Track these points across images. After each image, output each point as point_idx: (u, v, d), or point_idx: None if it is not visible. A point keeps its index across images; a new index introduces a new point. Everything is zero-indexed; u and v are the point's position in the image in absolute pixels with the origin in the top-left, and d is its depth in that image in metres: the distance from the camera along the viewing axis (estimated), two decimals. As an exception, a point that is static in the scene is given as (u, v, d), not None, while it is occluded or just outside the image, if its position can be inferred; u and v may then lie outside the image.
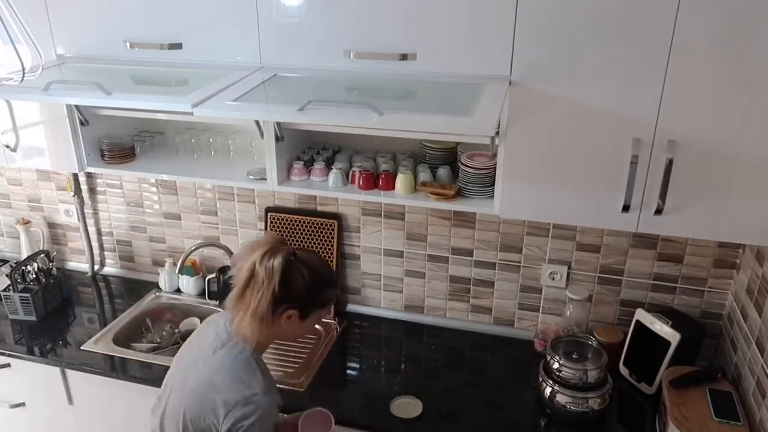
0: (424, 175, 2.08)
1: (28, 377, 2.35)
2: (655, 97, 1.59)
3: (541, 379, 1.98)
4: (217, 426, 1.50)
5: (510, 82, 1.68)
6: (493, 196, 1.91)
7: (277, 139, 2.02)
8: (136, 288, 2.75)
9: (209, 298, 2.60)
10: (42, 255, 2.61)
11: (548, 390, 1.94)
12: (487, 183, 1.95)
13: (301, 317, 1.59)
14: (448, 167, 2.10)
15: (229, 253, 2.59)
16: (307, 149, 2.24)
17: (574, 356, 1.95)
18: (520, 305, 2.38)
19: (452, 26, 1.68)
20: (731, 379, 1.94)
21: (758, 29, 1.47)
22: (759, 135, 1.56)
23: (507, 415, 2.00)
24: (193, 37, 1.92)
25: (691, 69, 1.55)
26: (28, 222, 2.79)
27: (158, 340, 2.46)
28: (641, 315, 2.06)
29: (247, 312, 1.53)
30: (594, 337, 2.08)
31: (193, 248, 2.51)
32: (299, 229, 2.48)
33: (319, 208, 2.47)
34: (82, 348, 2.32)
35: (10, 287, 2.49)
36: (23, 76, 1.52)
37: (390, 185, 2.05)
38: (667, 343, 1.96)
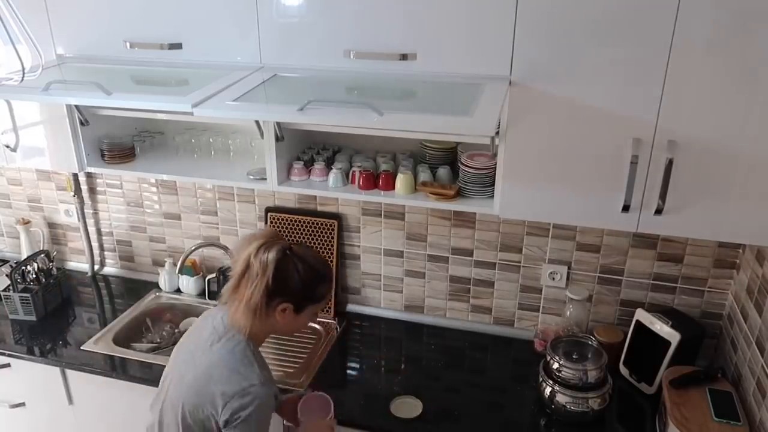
0: (424, 175, 2.08)
1: (28, 377, 2.35)
2: (655, 97, 1.59)
3: (541, 379, 1.98)
4: (216, 416, 1.53)
5: (510, 82, 1.68)
6: (493, 196, 1.91)
7: (277, 139, 2.02)
8: (136, 288, 2.76)
9: (209, 298, 2.60)
10: (42, 255, 2.61)
11: (548, 390, 1.94)
12: (487, 183, 1.95)
13: (296, 311, 1.61)
14: (448, 167, 2.10)
15: (230, 253, 2.59)
16: (307, 149, 2.24)
17: (574, 356, 1.95)
18: (520, 305, 2.38)
19: (452, 26, 1.68)
20: (731, 379, 1.94)
21: (758, 29, 1.47)
22: (759, 135, 1.56)
23: (507, 415, 2.01)
24: (193, 37, 1.92)
25: (691, 69, 1.55)
26: (28, 222, 2.79)
27: (158, 340, 2.46)
28: (641, 315, 2.06)
29: (241, 303, 1.55)
30: (594, 337, 2.08)
31: (193, 248, 2.51)
32: (299, 229, 2.48)
33: (319, 208, 2.47)
34: (82, 348, 2.32)
35: (10, 287, 2.49)
36: (23, 76, 1.52)
37: (390, 185, 2.05)
38: (667, 343, 1.96)
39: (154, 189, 2.65)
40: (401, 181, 2.03)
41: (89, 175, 2.71)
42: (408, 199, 2.03)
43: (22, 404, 2.43)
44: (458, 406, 2.03)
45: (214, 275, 2.57)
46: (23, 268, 2.53)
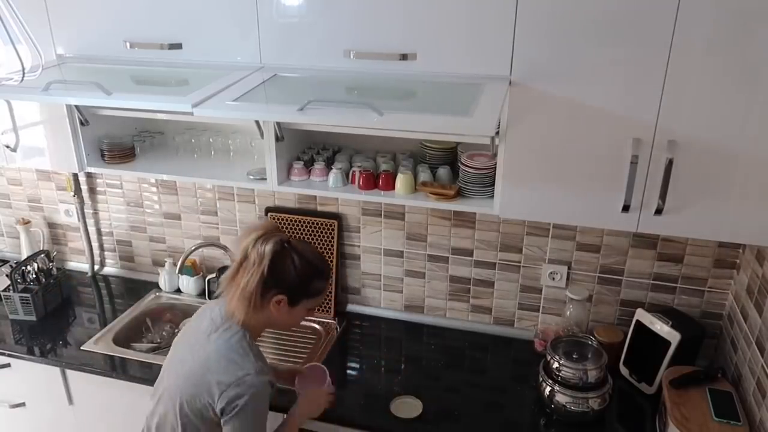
0: (424, 175, 2.08)
1: (28, 377, 2.35)
2: (655, 97, 1.59)
3: (541, 379, 1.98)
4: (213, 405, 1.56)
5: (510, 82, 1.68)
6: (493, 196, 1.91)
7: (277, 139, 2.02)
8: (136, 288, 2.76)
9: (209, 298, 2.60)
10: (42, 255, 2.61)
11: (548, 390, 1.94)
12: (487, 183, 1.95)
13: (291, 304, 1.64)
14: (448, 167, 2.10)
15: (230, 251, 2.59)
16: (307, 149, 2.24)
17: (574, 356, 1.95)
18: (520, 305, 2.38)
19: (452, 26, 1.68)
20: (731, 379, 1.94)
21: (758, 29, 1.47)
22: (759, 135, 1.56)
23: (507, 415, 2.01)
24: (193, 37, 1.92)
25: (691, 69, 1.55)
26: (28, 222, 2.79)
27: (158, 340, 2.46)
28: (641, 315, 2.06)
29: (237, 290, 1.60)
30: (594, 337, 2.08)
31: (193, 248, 2.51)
32: (299, 229, 2.48)
33: (319, 208, 2.47)
34: (82, 348, 2.32)
35: (10, 287, 2.49)
36: (23, 76, 1.53)
37: (390, 185, 2.05)
38: (667, 343, 1.96)
39: (154, 189, 2.65)
40: (401, 181, 2.03)
41: (89, 175, 2.71)
42: (408, 199, 2.03)
43: (22, 404, 2.43)
44: (458, 406, 2.03)
45: (214, 275, 2.57)
46: (23, 268, 2.53)
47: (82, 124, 2.20)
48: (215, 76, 1.84)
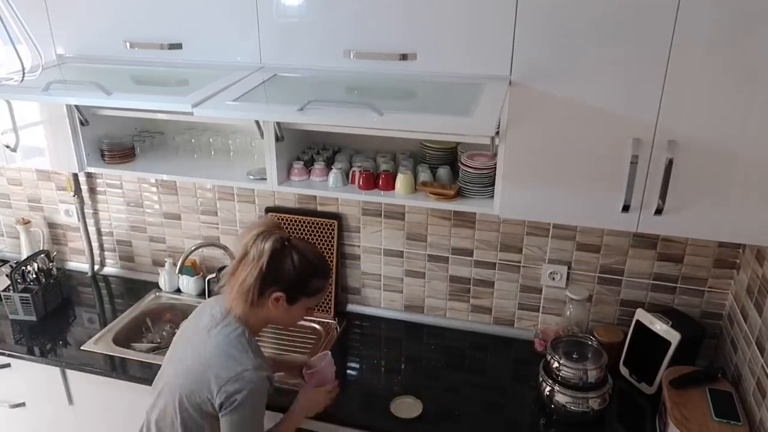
0: (424, 175, 2.08)
1: (28, 377, 2.35)
2: (655, 97, 1.59)
3: (541, 379, 1.98)
4: (212, 400, 1.58)
5: (510, 82, 1.68)
6: (493, 196, 1.91)
7: (277, 139, 2.02)
8: (136, 288, 2.76)
9: (209, 298, 2.60)
10: (42, 255, 2.61)
11: (548, 390, 1.94)
12: (487, 183, 1.95)
13: (289, 302, 1.66)
14: (448, 167, 2.10)
15: (230, 252, 2.59)
16: (307, 149, 2.24)
17: (574, 356, 1.95)
18: (520, 305, 2.38)
19: (452, 26, 1.68)
20: (731, 379, 1.94)
21: (758, 29, 1.47)
22: (759, 135, 1.56)
23: (507, 415, 2.00)
24: (193, 37, 1.92)
25: (691, 69, 1.55)
26: (28, 222, 2.79)
27: (158, 340, 2.46)
28: (641, 315, 2.06)
29: (236, 285, 1.62)
30: (594, 337, 2.08)
31: (193, 248, 2.51)
32: (299, 229, 2.48)
33: (319, 208, 2.47)
34: (82, 348, 2.32)
35: (10, 287, 2.49)
36: (23, 76, 1.53)
37: (390, 185, 2.05)
38: (667, 343, 1.96)
39: (154, 189, 2.65)
40: (401, 181, 2.03)
41: (89, 175, 2.71)
42: (408, 199, 2.03)
43: (22, 404, 2.43)
44: (458, 406, 2.03)
45: (214, 275, 2.57)
46: (23, 268, 2.53)
47: (82, 124, 2.20)
48: (215, 76, 1.84)
